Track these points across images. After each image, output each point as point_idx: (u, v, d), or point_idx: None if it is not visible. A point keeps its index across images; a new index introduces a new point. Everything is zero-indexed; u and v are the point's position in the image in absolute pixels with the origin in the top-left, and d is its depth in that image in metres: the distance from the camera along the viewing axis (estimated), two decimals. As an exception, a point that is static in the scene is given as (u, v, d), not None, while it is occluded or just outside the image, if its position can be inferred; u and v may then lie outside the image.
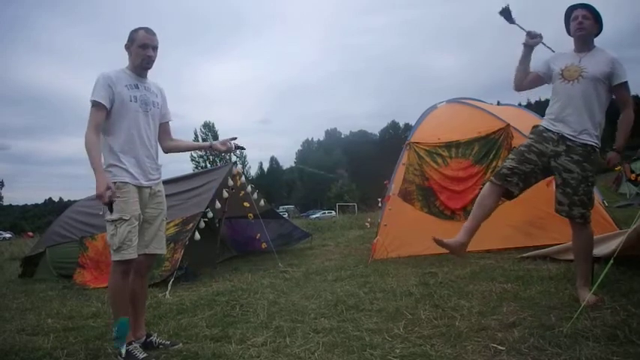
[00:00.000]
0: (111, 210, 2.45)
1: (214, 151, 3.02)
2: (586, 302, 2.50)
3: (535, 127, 3.03)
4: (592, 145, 2.80)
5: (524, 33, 3.02)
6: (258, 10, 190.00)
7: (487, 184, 2.99)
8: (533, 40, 3.02)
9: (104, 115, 2.56)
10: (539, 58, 3.08)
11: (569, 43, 2.99)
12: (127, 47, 2.68)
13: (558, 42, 3.03)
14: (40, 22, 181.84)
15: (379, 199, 7.05)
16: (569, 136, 2.81)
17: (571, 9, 2.95)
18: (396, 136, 67.62)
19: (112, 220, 2.51)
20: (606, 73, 2.80)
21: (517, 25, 3.06)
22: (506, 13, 3.08)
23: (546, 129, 2.92)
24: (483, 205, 2.91)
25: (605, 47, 2.93)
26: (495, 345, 2.23)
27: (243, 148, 3.02)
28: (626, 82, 2.83)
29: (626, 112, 2.89)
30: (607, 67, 2.81)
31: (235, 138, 3.03)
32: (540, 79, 3.09)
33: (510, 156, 2.97)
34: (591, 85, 2.81)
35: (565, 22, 3.00)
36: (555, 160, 2.83)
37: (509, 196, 2.93)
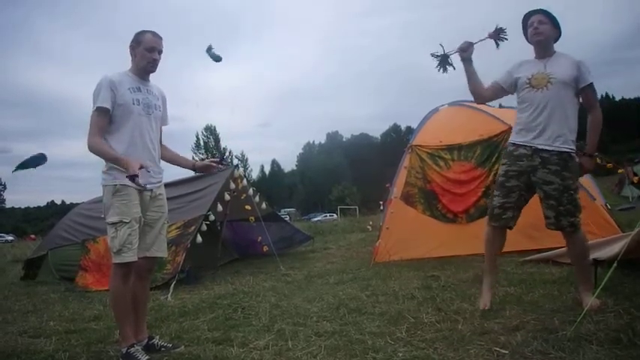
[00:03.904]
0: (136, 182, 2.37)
1: (198, 171, 2.99)
2: (589, 306, 2.49)
3: (504, 149, 3.02)
4: (567, 152, 2.77)
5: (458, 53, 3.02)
6: (257, 13, 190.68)
7: (487, 228, 3.02)
8: (466, 52, 3.00)
9: (107, 120, 2.56)
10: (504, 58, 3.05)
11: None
12: (132, 48, 2.68)
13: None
14: (40, 24, 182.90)
15: (381, 202, 7.04)
16: (542, 147, 2.78)
17: (527, 16, 2.95)
18: (397, 139, 67.68)
19: (113, 223, 2.51)
20: (573, 77, 2.78)
21: (453, 53, 3.03)
22: (442, 60, 3.06)
23: (517, 146, 2.89)
24: (493, 248, 3.00)
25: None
26: (498, 349, 2.22)
27: (227, 163, 3.06)
28: (592, 84, 2.81)
29: (594, 114, 2.85)
30: (573, 70, 2.78)
31: (222, 160, 3.03)
32: (503, 91, 3.07)
33: (495, 192, 2.98)
34: (561, 91, 2.78)
35: (523, 30, 2.99)
36: (534, 175, 2.81)
37: (508, 227, 2.97)
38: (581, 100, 2.87)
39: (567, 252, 3.02)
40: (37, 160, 2.92)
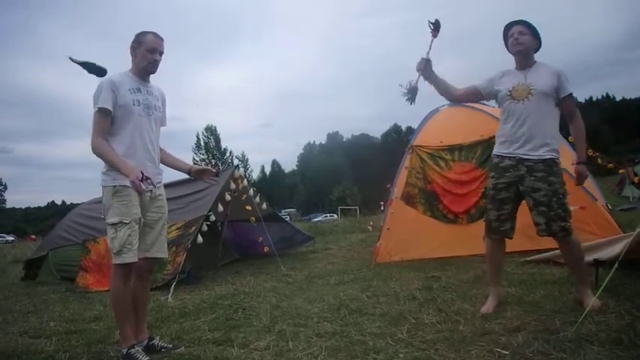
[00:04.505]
0: (143, 188, 2.40)
1: (193, 175, 2.96)
2: (590, 307, 2.49)
3: (490, 161, 3.04)
4: (551, 158, 2.81)
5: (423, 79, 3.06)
6: (257, 13, 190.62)
7: (487, 240, 3.05)
8: (425, 70, 3.02)
9: (109, 121, 2.56)
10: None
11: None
12: (133, 49, 2.67)
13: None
14: (40, 25, 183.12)
15: (381, 203, 7.04)
16: (526, 156, 2.82)
17: (508, 27, 2.98)
18: (398, 140, 67.67)
19: (113, 224, 2.51)
20: (554, 87, 2.82)
21: (417, 80, 3.05)
22: (412, 94, 3.08)
23: (502, 157, 2.93)
24: (496, 258, 3.05)
25: (547, 61, 2.94)
26: (499, 349, 2.21)
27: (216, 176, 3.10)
28: (571, 94, 2.86)
29: (576, 122, 2.91)
30: (553, 80, 2.82)
31: (216, 172, 3.03)
32: (480, 96, 3.11)
33: (488, 206, 3.01)
34: (542, 101, 2.82)
35: (504, 41, 3.02)
36: (522, 184, 2.84)
37: (507, 237, 3.01)
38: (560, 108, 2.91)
39: (562, 256, 3.04)
40: (95, 69, 2.64)
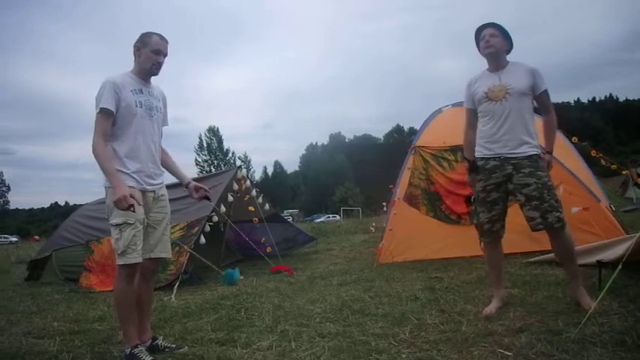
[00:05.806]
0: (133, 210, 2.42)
1: (187, 190, 2.96)
2: (593, 309, 2.48)
3: (475, 164, 3.05)
4: (536, 154, 2.84)
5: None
6: (258, 13, 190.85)
7: (482, 244, 3.08)
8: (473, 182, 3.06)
9: (111, 122, 2.55)
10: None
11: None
12: (137, 49, 2.66)
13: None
14: (40, 26, 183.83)
15: (384, 204, 7.04)
16: (510, 155, 2.85)
17: (479, 30, 3.01)
18: (400, 140, 67.65)
19: (117, 224, 2.51)
20: (529, 85, 2.87)
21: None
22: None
23: (486, 159, 2.95)
24: (494, 260, 3.07)
25: (521, 60, 2.98)
26: (502, 350, 2.21)
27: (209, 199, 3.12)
28: (546, 90, 2.91)
29: (550, 116, 2.98)
30: (529, 79, 2.86)
31: (208, 191, 3.02)
32: (475, 112, 3.11)
33: (478, 209, 3.02)
34: (520, 100, 2.86)
35: (476, 44, 3.05)
36: (511, 182, 2.86)
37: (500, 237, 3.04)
38: (535, 104, 2.95)
39: (555, 253, 3.02)
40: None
